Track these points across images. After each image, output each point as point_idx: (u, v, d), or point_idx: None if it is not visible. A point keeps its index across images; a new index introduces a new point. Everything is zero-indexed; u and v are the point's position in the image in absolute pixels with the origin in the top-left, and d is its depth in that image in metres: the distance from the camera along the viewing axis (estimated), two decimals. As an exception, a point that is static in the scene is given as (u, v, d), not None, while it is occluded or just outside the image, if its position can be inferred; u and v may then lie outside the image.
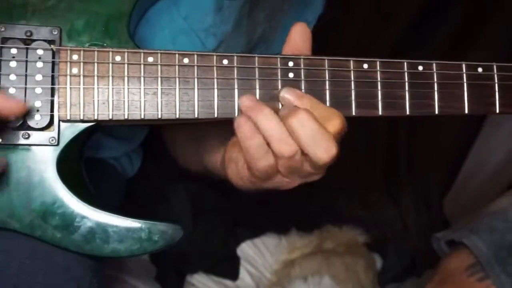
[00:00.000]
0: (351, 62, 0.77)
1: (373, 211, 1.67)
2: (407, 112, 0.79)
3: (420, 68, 0.79)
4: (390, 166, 1.85)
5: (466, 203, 1.83)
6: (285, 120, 0.68)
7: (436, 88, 0.79)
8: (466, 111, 0.81)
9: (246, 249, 1.49)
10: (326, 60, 0.77)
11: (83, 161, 0.75)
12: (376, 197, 1.73)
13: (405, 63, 0.79)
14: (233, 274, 1.43)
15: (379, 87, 0.78)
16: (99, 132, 0.71)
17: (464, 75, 0.80)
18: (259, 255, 1.49)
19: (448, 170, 1.88)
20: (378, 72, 0.78)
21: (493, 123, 1.80)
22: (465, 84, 0.80)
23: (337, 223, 1.57)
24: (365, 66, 0.77)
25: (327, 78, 0.76)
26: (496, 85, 0.81)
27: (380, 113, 0.78)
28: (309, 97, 0.72)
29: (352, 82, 0.77)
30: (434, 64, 0.80)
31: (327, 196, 1.67)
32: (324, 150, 0.68)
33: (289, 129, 0.68)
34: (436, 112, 0.80)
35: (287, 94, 0.72)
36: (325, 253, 1.45)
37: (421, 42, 1.82)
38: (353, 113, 0.77)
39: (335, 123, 0.71)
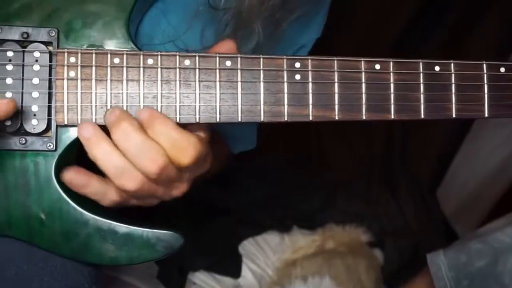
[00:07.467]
0: (362, 63, 0.73)
1: (373, 207, 1.65)
2: (422, 116, 0.74)
3: (437, 68, 0.74)
4: (387, 161, 1.83)
5: (458, 196, 1.85)
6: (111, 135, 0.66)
7: (454, 90, 0.75)
8: (486, 115, 0.76)
9: (248, 247, 1.47)
10: (336, 61, 0.72)
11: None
12: (376, 193, 1.70)
13: (421, 63, 0.74)
14: (235, 272, 1.41)
15: (392, 90, 0.73)
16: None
17: (485, 75, 0.75)
18: (261, 252, 1.47)
19: (440, 164, 1.87)
20: (391, 74, 0.73)
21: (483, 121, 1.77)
22: (485, 86, 0.75)
23: (340, 222, 1.54)
24: (377, 67, 0.73)
25: (336, 80, 0.72)
26: (520, 86, 0.76)
27: (392, 117, 0.74)
28: (165, 119, 0.67)
29: (363, 84, 0.73)
30: (452, 64, 0.75)
31: (327, 192, 1.65)
32: (150, 161, 0.65)
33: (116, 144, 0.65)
34: (454, 115, 0.75)
35: (143, 114, 0.67)
36: (327, 254, 1.42)
37: (418, 42, 1.80)
38: (364, 117, 0.73)
39: (190, 155, 0.67)
